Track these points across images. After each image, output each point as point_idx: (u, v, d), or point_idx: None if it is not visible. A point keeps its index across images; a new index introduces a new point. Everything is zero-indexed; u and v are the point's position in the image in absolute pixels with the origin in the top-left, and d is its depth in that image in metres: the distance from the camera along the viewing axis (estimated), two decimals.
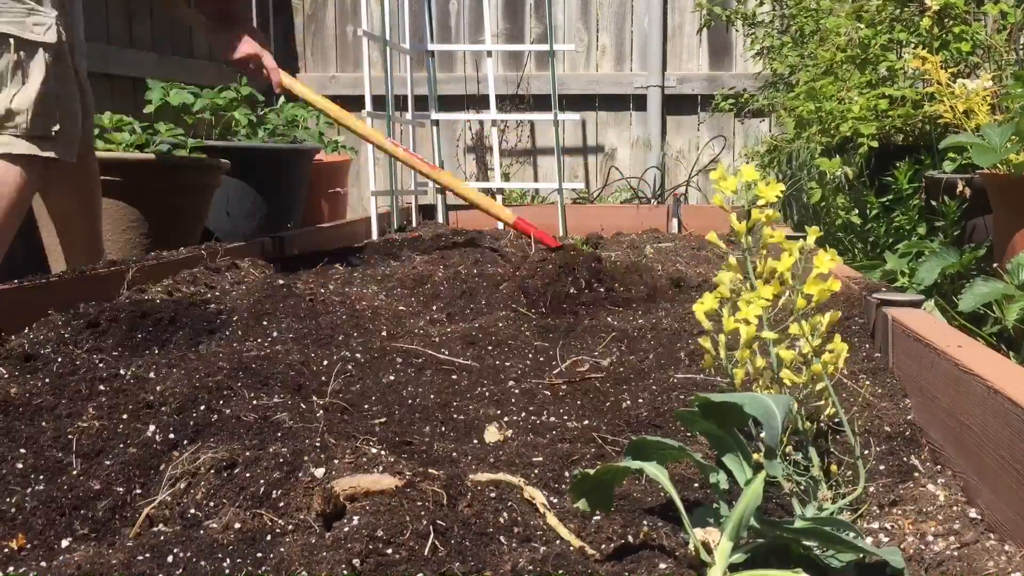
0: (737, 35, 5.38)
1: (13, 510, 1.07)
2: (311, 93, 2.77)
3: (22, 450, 1.19)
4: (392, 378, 1.59)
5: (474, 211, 4.56)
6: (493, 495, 1.01)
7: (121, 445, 1.21)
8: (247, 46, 2.62)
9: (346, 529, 0.90)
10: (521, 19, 5.69)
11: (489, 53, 4.40)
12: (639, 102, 5.61)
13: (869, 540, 1.07)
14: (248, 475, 1.05)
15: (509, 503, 1.00)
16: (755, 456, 1.00)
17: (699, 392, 1.22)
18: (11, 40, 2.23)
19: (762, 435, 0.99)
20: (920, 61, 2.75)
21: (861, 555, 0.95)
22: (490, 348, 1.80)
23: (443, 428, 1.40)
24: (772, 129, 5.24)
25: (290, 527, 0.96)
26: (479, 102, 5.55)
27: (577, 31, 5.67)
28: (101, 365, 1.52)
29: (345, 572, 0.85)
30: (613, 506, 1.02)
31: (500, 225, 4.22)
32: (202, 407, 1.32)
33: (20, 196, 2.28)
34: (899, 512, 1.14)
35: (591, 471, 0.98)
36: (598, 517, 1.01)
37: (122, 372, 1.48)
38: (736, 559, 0.90)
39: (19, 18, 2.25)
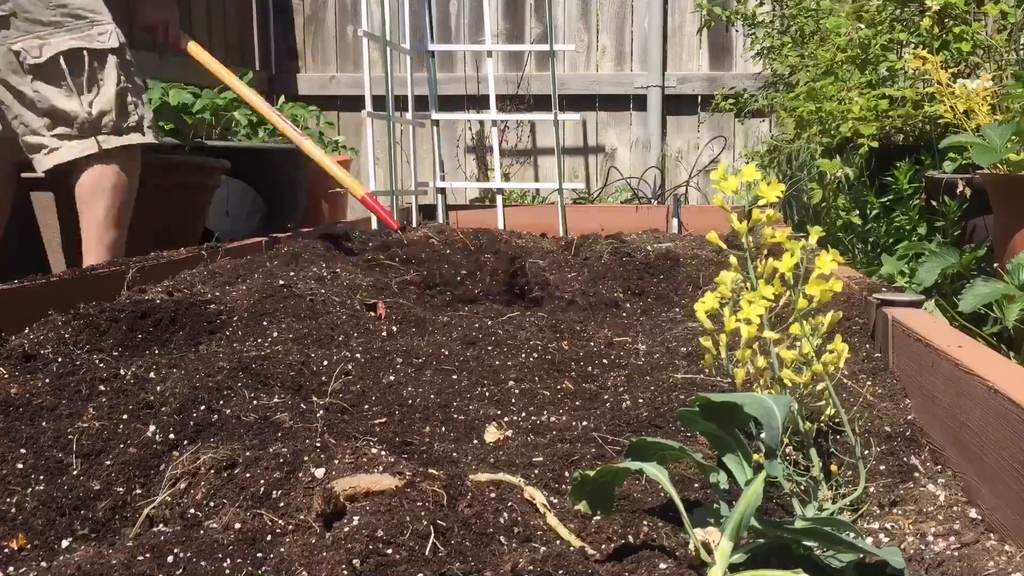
0: (737, 35, 5.38)
1: (13, 510, 1.07)
2: (212, 61, 3.05)
3: (22, 450, 1.19)
4: (392, 378, 1.59)
5: (474, 211, 4.58)
6: (493, 495, 1.01)
7: (121, 445, 1.21)
8: (161, 10, 3.00)
9: (346, 529, 0.90)
10: (521, 19, 5.69)
11: (489, 53, 4.40)
12: (639, 102, 5.61)
13: (869, 540, 1.07)
14: (248, 475, 1.05)
15: (509, 503, 1.00)
16: (755, 456, 1.00)
17: (699, 392, 1.22)
18: (84, 53, 2.55)
19: (762, 435, 0.99)
20: (920, 61, 2.75)
21: (861, 555, 0.95)
22: (490, 348, 1.80)
23: (443, 428, 1.39)
24: (772, 129, 5.24)
25: (290, 527, 0.96)
26: (479, 102, 5.55)
27: (577, 31, 5.67)
28: (101, 365, 1.52)
29: (345, 572, 0.85)
30: (614, 506, 1.02)
31: (500, 225, 4.23)
32: (202, 407, 1.32)
33: (131, 182, 2.66)
34: (899, 512, 1.14)
35: (591, 473, 0.98)
36: (598, 517, 1.01)
37: (122, 372, 1.48)
38: (736, 559, 0.90)
39: (85, 32, 2.56)
